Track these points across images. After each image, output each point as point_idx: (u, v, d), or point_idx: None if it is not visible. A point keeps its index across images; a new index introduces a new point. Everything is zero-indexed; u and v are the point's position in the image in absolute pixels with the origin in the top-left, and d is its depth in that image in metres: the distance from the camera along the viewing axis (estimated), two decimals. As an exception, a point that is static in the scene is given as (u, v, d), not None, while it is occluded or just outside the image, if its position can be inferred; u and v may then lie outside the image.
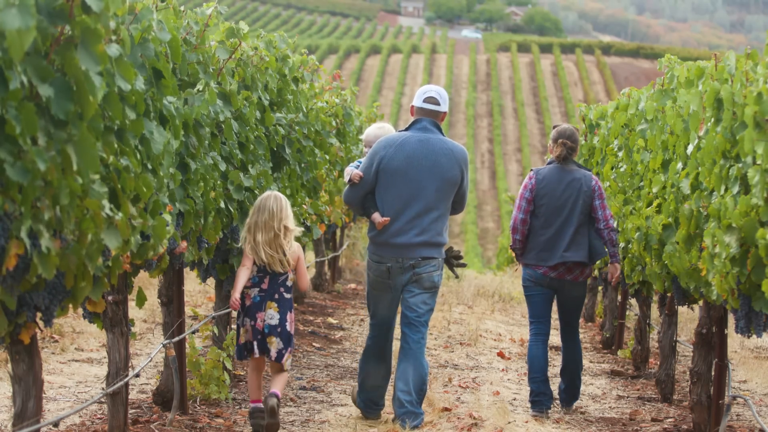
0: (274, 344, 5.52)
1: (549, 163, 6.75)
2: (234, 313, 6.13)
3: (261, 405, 5.48)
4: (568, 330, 6.75)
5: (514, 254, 6.84)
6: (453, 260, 6.18)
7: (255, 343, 5.53)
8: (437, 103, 6.02)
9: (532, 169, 6.75)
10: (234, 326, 6.15)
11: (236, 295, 5.57)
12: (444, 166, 5.88)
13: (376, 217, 5.88)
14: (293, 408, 6.26)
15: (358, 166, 6.07)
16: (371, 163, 5.93)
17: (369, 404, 6.05)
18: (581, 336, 10.46)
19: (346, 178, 6.02)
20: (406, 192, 5.85)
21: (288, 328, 5.57)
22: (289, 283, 5.64)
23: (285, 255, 5.56)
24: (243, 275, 5.57)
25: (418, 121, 5.99)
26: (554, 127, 6.83)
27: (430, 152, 5.88)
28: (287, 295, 5.62)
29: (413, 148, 5.88)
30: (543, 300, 6.66)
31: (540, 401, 6.53)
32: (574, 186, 6.56)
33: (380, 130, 6.35)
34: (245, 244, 5.59)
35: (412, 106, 6.08)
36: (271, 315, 5.55)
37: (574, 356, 6.73)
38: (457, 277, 6.39)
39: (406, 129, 6.03)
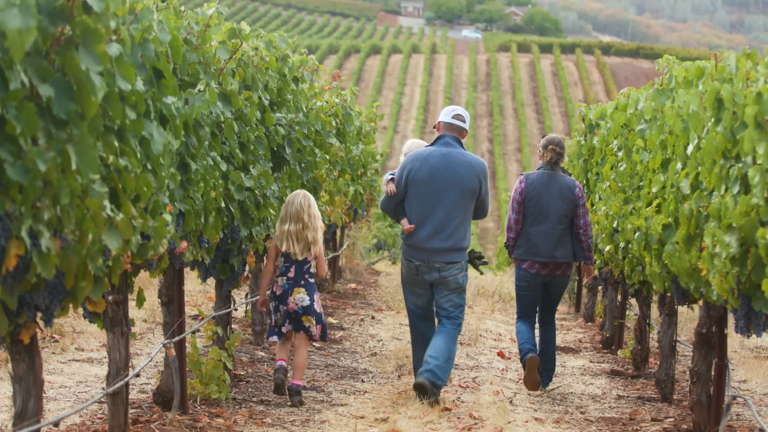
0: (312, 321, 6.44)
1: (539, 169, 7.52)
2: (234, 313, 6.29)
3: (285, 363, 6.39)
4: (547, 316, 7.57)
5: (507, 251, 7.71)
6: (476, 260, 7.04)
7: (287, 322, 6.43)
8: (463, 120, 6.82)
9: (522, 174, 7.60)
10: (234, 326, 6.27)
11: (261, 298, 6.66)
12: (464, 177, 6.61)
13: (404, 223, 6.69)
14: (293, 408, 6.26)
15: (393, 176, 6.80)
16: (401, 175, 6.72)
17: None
18: (582, 335, 10.48)
19: (384, 187, 6.81)
20: (430, 201, 6.60)
21: (316, 308, 6.47)
22: (312, 270, 6.51)
23: (308, 245, 6.42)
24: (266, 279, 6.54)
25: (442, 137, 6.77)
26: (543, 136, 7.65)
27: (451, 165, 6.63)
28: (311, 280, 6.51)
29: (436, 161, 6.64)
30: (532, 299, 7.51)
31: (529, 350, 7.35)
32: (559, 190, 7.37)
33: (411, 145, 7.23)
34: (277, 233, 6.43)
35: (439, 122, 6.85)
36: (301, 298, 6.43)
37: (550, 337, 7.53)
38: (481, 273, 7.37)
39: (432, 144, 6.81)
